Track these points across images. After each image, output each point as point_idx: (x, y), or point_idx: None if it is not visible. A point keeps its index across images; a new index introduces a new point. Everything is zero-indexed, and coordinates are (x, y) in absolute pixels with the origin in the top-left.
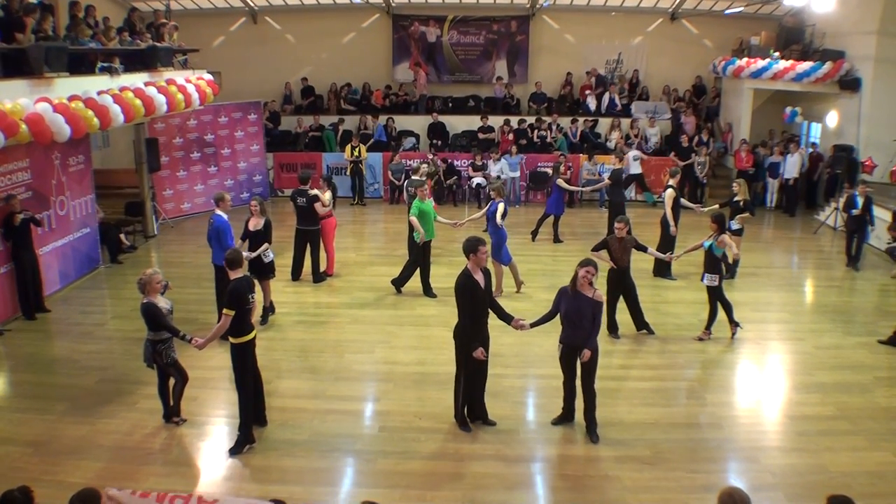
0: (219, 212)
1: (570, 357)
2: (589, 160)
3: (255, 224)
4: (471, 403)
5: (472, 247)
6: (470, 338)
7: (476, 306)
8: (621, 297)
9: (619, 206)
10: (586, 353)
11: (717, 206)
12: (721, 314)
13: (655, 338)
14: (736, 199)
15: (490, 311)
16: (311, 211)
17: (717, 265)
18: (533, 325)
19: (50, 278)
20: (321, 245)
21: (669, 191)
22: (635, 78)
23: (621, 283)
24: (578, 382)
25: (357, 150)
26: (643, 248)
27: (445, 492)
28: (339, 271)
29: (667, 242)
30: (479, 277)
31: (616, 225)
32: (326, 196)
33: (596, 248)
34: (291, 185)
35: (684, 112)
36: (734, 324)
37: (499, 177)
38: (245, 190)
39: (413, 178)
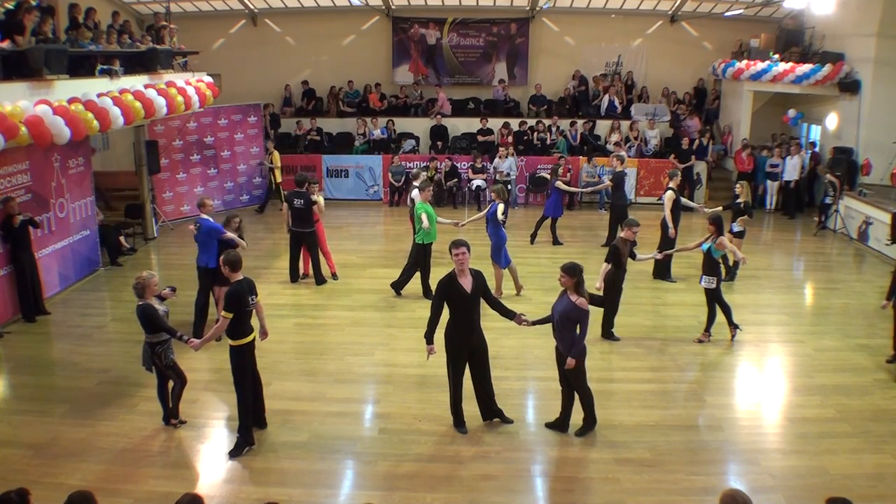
0: (203, 215)
1: (558, 360)
2: (588, 162)
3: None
4: (481, 403)
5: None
6: (428, 335)
7: (454, 307)
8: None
9: (620, 208)
10: (570, 361)
11: (719, 207)
12: (720, 316)
13: (655, 340)
14: (738, 200)
15: (495, 311)
16: (308, 213)
17: (716, 267)
18: (535, 322)
19: (50, 280)
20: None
21: (669, 193)
22: (630, 80)
23: (620, 286)
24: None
25: (270, 156)
26: (633, 255)
27: (445, 494)
28: (338, 273)
29: (666, 244)
30: (465, 282)
31: (633, 229)
32: (321, 199)
33: (611, 258)
34: (291, 187)
35: (687, 115)
36: (733, 326)
37: (508, 174)
38: (245, 192)
39: (415, 183)
